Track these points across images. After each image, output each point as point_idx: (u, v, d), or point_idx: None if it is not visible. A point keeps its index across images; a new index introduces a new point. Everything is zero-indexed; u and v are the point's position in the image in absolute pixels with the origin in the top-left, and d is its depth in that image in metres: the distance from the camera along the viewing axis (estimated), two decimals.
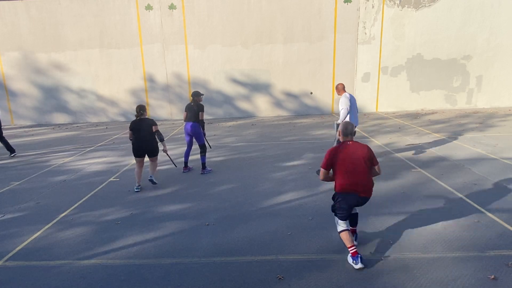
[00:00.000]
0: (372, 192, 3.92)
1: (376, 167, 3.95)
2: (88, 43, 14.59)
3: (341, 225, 3.88)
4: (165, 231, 4.81)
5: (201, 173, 7.29)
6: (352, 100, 6.90)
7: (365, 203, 3.97)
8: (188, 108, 7.25)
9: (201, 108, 7.21)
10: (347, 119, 6.76)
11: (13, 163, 8.82)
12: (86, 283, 3.71)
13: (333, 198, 4.02)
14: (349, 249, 3.82)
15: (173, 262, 4.03)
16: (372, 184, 3.89)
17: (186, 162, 7.52)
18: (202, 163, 7.34)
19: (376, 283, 3.49)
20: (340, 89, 7.05)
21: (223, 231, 4.74)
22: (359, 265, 3.73)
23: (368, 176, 3.84)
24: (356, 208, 4.13)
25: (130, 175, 7.41)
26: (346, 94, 6.91)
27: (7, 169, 8.27)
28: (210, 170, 7.45)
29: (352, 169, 3.77)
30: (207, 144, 7.51)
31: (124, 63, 14.75)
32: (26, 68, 14.87)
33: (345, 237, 3.83)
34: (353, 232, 4.25)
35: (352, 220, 4.18)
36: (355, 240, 4.17)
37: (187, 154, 7.52)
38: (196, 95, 7.24)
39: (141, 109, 6.33)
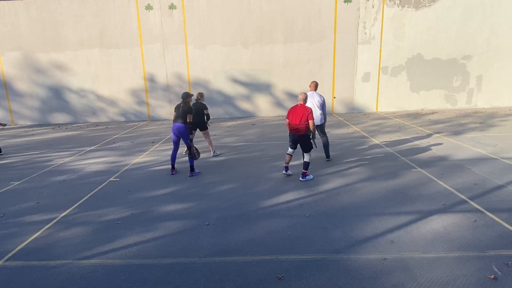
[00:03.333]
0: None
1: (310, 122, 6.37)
2: (88, 43, 14.59)
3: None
4: (165, 231, 4.82)
5: (189, 176, 7.15)
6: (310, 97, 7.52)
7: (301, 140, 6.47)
8: (177, 109, 7.18)
9: (189, 110, 7.05)
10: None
11: (13, 163, 8.82)
12: (86, 283, 3.71)
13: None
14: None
15: (173, 262, 4.03)
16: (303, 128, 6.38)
17: (173, 165, 7.36)
18: (190, 166, 7.17)
19: (376, 283, 3.49)
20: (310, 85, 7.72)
21: (223, 231, 4.74)
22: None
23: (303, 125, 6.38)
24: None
25: (130, 175, 7.42)
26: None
27: (7, 169, 8.27)
28: (198, 172, 7.31)
29: (294, 119, 6.42)
30: (195, 151, 7.34)
31: (124, 63, 14.75)
32: (26, 68, 14.87)
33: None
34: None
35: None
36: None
37: (173, 157, 7.35)
38: (186, 97, 7.10)
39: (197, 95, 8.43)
